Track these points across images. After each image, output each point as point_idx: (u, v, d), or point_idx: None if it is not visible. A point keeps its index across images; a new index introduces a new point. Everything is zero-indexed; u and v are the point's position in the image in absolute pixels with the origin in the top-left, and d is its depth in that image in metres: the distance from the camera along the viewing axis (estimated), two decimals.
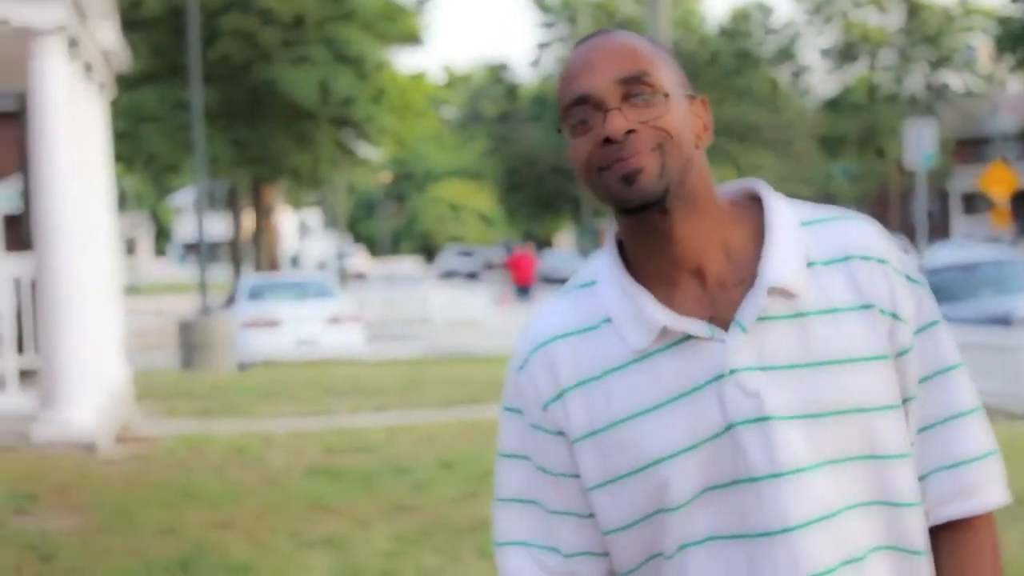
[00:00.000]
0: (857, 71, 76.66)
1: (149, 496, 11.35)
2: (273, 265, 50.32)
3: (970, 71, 75.80)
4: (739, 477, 2.19)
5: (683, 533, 2.23)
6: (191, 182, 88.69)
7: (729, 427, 2.18)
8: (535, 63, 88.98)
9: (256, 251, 50.09)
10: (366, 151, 51.72)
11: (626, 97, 2.21)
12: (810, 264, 2.25)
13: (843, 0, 75.97)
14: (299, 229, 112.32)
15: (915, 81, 75.63)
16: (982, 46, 75.92)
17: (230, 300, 32.02)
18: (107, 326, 16.28)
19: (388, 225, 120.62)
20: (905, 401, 2.27)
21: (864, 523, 2.22)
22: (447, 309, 38.16)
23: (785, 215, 2.29)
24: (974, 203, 75.26)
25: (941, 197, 74.99)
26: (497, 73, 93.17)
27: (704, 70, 75.27)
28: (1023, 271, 24.31)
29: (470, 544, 9.28)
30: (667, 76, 2.26)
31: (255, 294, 29.42)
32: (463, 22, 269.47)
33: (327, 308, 28.52)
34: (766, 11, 78.87)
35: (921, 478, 2.30)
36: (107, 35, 16.21)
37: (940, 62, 75.14)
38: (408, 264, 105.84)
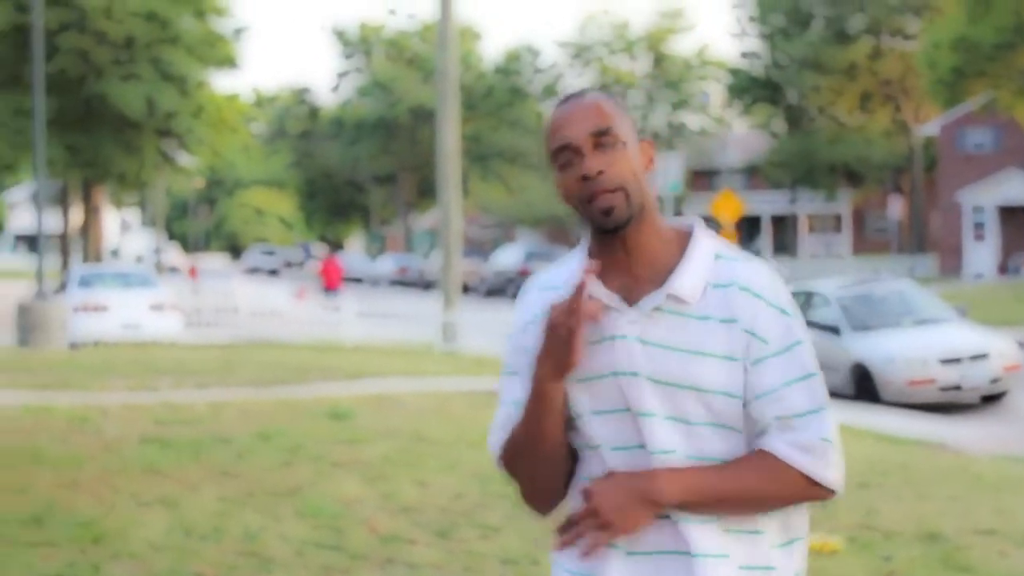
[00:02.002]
0: None
1: (0, 459, 11.11)
2: (97, 257, 49.36)
3: (704, 113, 77.42)
4: (622, 408, 2.69)
5: (583, 438, 2.76)
6: (25, 180, 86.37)
7: (613, 373, 2.69)
8: (335, 89, 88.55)
9: (84, 244, 49.05)
10: (184, 159, 50.94)
11: (596, 145, 2.68)
12: (707, 284, 2.70)
13: (599, 47, 76.94)
14: (120, 226, 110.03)
15: (658, 119, 76.96)
16: (715, 92, 77.64)
17: (62, 286, 31.26)
18: None
19: (200, 225, 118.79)
20: (760, 395, 2.67)
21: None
22: (252, 301, 37.72)
23: (704, 248, 2.75)
24: (705, 225, 76.88)
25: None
26: (301, 96, 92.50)
27: (481, 102, 75.81)
28: None
29: (288, 506, 9.26)
30: (624, 128, 2.72)
31: (85, 282, 28.77)
32: (273, 50, 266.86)
33: (149, 296, 28.06)
34: (534, 53, 79.65)
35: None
36: None
37: (679, 104, 76.57)
38: (217, 260, 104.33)
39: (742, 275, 2.70)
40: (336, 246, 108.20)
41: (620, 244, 2.72)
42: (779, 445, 2.65)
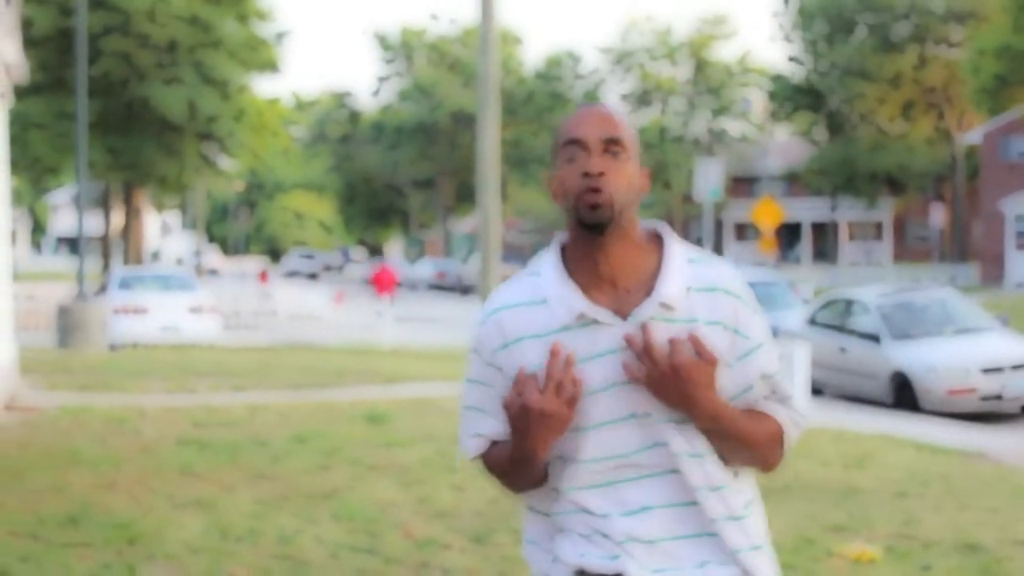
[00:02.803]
0: (650, 114, 77.61)
1: (38, 459, 11.15)
2: (138, 259, 49.61)
3: (745, 119, 77.21)
4: (626, 415, 2.83)
5: (586, 445, 2.85)
6: (67, 183, 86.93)
7: (614, 384, 2.81)
8: (375, 93, 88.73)
9: (125, 246, 49.32)
10: (225, 162, 51.16)
11: (605, 150, 2.82)
12: (688, 289, 2.84)
13: (641, 53, 76.88)
14: (161, 228, 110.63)
15: (699, 125, 76.79)
16: (756, 99, 77.42)
17: (102, 288, 31.39)
18: None
19: (240, 228, 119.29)
20: (751, 384, 2.91)
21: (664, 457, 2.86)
22: (291, 304, 37.86)
23: (678, 253, 2.88)
24: (744, 231, 76.75)
25: (717, 225, 76.30)
26: (341, 100, 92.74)
27: (522, 107, 75.81)
28: (785, 290, 24.94)
29: (324, 509, 9.25)
30: (632, 145, 2.87)
31: (125, 284, 28.93)
32: (314, 54, 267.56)
33: (189, 299, 28.20)
34: (575, 59, 79.66)
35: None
36: (9, 50, 15.87)
37: (721, 110, 76.41)
38: (256, 263, 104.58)
39: (722, 279, 2.88)
40: (375, 250, 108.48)
41: (600, 250, 2.83)
42: (782, 415, 2.94)
